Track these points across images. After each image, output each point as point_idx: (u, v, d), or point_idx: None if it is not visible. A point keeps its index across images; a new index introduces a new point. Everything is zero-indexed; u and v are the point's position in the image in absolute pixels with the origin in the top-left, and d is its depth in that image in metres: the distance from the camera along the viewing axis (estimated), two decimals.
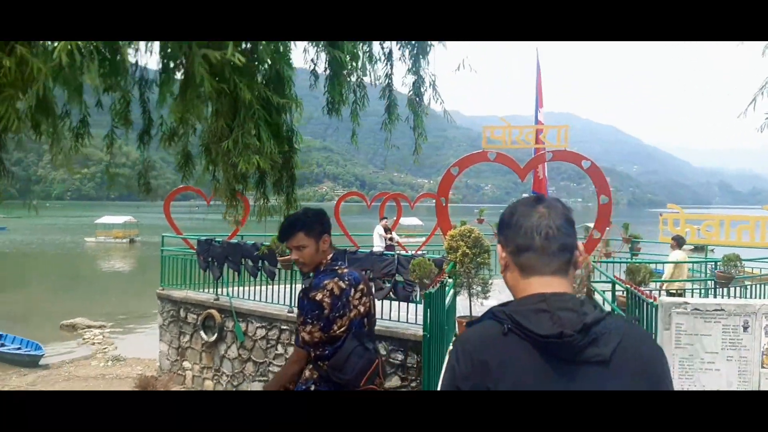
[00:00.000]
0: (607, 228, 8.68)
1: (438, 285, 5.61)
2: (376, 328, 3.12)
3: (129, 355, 15.83)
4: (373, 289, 8.82)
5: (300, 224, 2.85)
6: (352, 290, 2.75)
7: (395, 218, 14.56)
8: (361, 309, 2.79)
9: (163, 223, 12.53)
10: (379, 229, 13.25)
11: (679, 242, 9.50)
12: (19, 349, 15.68)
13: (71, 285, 28.87)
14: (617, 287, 6.30)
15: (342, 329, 2.70)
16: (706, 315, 4.20)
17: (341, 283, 2.72)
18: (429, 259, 7.22)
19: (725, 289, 8.78)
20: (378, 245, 13.01)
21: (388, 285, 8.61)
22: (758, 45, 5.86)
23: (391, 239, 13.23)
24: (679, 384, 4.22)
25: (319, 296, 2.69)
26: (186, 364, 11.11)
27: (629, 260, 10.70)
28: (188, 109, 2.69)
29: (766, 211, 11.57)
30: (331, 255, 2.86)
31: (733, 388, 4.24)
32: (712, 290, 8.81)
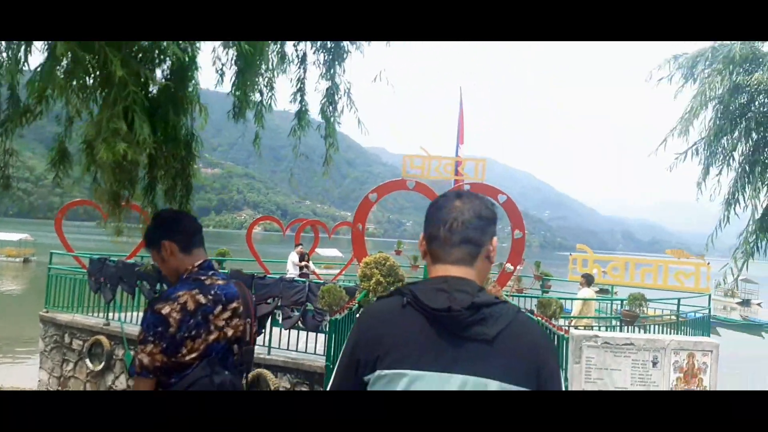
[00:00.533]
0: (520, 265, 8.71)
1: (345, 312, 5.25)
2: (281, 359, 2.64)
3: (5, 384, 14.17)
4: (280, 317, 8.31)
5: (144, 235, 2.38)
6: (218, 307, 2.19)
7: (312, 247, 14.08)
8: (229, 332, 2.20)
9: (70, 242, 11.42)
10: (293, 257, 12.70)
11: (588, 280, 9.68)
12: None
13: None
14: None
15: (192, 355, 2.10)
16: (616, 349, 4.09)
17: (200, 297, 2.15)
18: (340, 287, 6.85)
19: (630, 328, 8.98)
20: (292, 273, 12.46)
21: (297, 313, 8.12)
22: (670, 89, 6.08)
23: (305, 267, 12.72)
24: None
25: (165, 309, 2.09)
26: None
27: (540, 296, 10.86)
28: (47, 80, 2.24)
29: (667, 255, 12.18)
30: (200, 263, 2.30)
31: None
32: (618, 328, 8.98)
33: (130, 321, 9.51)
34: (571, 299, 9.40)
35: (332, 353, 4.83)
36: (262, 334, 8.27)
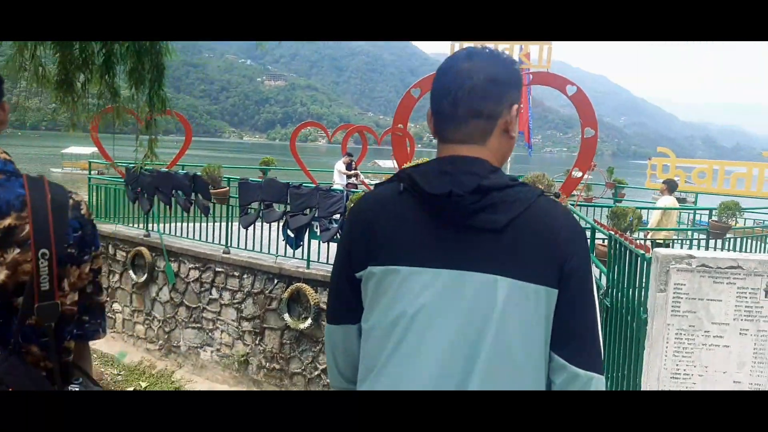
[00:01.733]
0: (590, 170, 7.53)
1: None
2: (320, 273, 1.74)
3: None
4: (318, 229, 7.64)
5: None
6: None
7: (360, 155, 13.21)
8: None
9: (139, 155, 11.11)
10: (339, 165, 11.92)
11: (670, 187, 8.37)
12: None
13: None
14: (598, 234, 5.17)
15: None
16: (717, 274, 3.07)
17: None
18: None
19: (719, 242, 7.76)
20: (338, 183, 11.74)
21: (335, 225, 7.43)
22: None
23: (354, 177, 11.94)
24: (673, 364, 3.16)
25: None
26: (116, 306, 9.96)
27: (612, 205, 9.62)
28: None
29: (766, 157, 10.50)
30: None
31: (746, 370, 3.17)
32: (703, 242, 7.78)
33: (169, 232, 9.16)
34: (649, 208, 8.18)
35: None
36: (301, 247, 7.72)
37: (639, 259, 3.34)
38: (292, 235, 7.69)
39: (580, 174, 7.48)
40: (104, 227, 10.03)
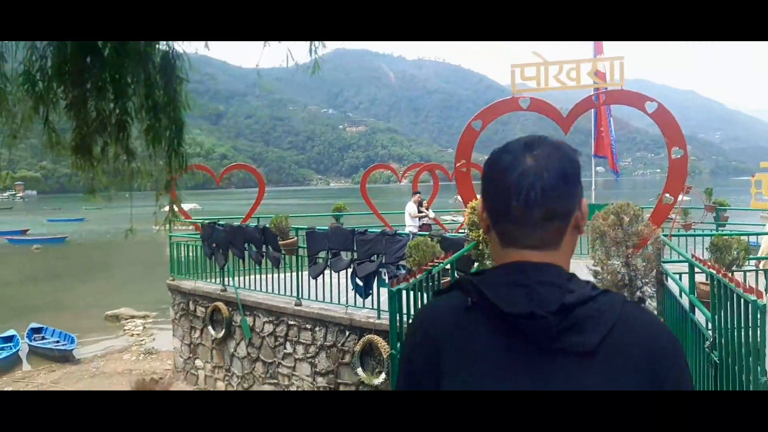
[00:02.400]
0: (684, 193, 6.73)
1: (421, 275, 4.06)
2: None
3: (164, 347, 15.14)
4: (386, 276, 7.33)
5: None
6: None
7: (432, 194, 12.86)
8: None
9: (232, 208, 11.51)
10: (410, 207, 11.59)
11: None
12: (57, 342, 15.29)
13: (130, 274, 28.99)
14: (697, 271, 4.48)
15: None
16: None
17: None
18: (435, 240, 5.62)
19: None
20: (410, 225, 11.41)
21: (402, 271, 7.06)
22: None
23: (425, 217, 11.58)
24: None
25: None
26: (198, 362, 10.05)
27: (713, 232, 8.57)
28: None
29: None
30: None
31: None
32: None
33: (244, 286, 9.17)
34: (758, 234, 7.20)
35: (395, 334, 3.71)
36: (371, 296, 7.42)
37: (751, 306, 2.72)
38: (360, 284, 7.42)
39: (672, 199, 6.71)
40: (184, 284, 10.25)
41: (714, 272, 3.42)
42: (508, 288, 0.99)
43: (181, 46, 2.86)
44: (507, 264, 1.04)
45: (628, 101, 7.00)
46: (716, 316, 3.43)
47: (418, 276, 4.17)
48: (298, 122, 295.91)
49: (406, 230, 11.18)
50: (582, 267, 6.53)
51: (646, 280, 6.03)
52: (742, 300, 2.86)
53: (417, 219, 11.47)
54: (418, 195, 11.61)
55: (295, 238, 8.40)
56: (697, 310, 4.52)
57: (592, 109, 12.08)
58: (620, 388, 0.96)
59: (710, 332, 3.68)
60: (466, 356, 1.02)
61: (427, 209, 11.78)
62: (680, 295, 5.06)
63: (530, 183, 1.00)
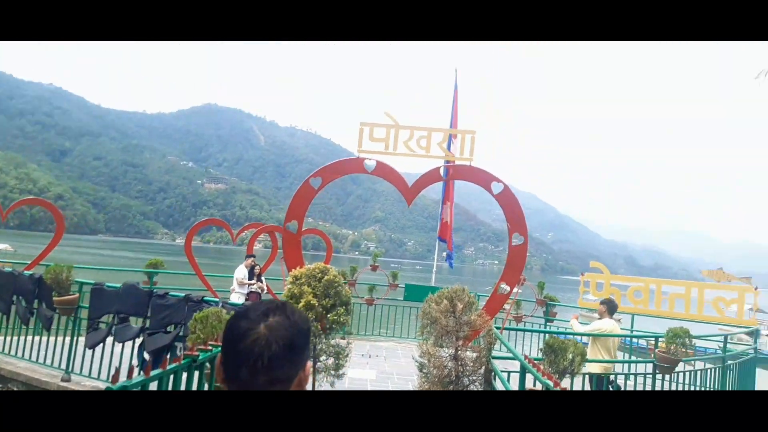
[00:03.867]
0: (519, 285, 6.41)
1: (202, 353, 3.03)
2: None
3: None
4: (182, 353, 6.02)
5: None
6: None
7: (268, 259, 11.71)
8: None
9: (60, 255, 9.18)
10: (239, 272, 10.29)
11: (610, 308, 7.31)
12: None
13: None
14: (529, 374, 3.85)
15: None
16: None
17: None
18: (227, 311, 4.57)
19: (667, 377, 6.62)
20: (238, 293, 10.10)
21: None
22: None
23: (254, 284, 10.32)
24: None
25: None
26: None
27: (544, 329, 8.45)
28: None
29: (704, 276, 9.83)
30: None
31: None
32: (650, 377, 6.61)
33: (3, 349, 7.20)
34: (590, 335, 7.03)
35: None
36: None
37: None
38: (147, 359, 5.98)
39: (507, 289, 6.33)
40: None
41: (550, 383, 2.74)
42: None
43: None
44: None
45: (476, 178, 6.66)
46: None
47: (182, 360, 3.06)
48: (154, 171, 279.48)
49: (232, 298, 9.86)
50: (410, 353, 5.79)
51: (474, 378, 5.39)
52: None
53: (246, 286, 10.19)
54: (252, 259, 10.39)
55: (77, 294, 6.77)
56: None
57: (442, 188, 12.00)
58: None
59: None
60: None
61: (259, 276, 10.56)
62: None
63: (259, 352, 1.15)
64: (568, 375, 3.83)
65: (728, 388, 7.74)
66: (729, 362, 7.89)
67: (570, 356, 3.77)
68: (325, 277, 5.19)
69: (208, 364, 3.35)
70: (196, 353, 3.22)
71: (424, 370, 5.32)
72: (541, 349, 4.06)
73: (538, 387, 4.42)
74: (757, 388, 9.07)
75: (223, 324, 4.13)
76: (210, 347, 3.48)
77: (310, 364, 1.25)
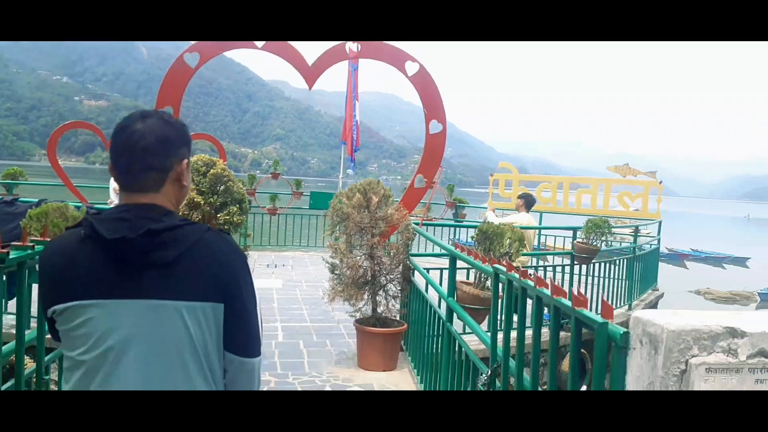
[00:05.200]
0: (436, 178, 5.82)
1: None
2: None
3: None
4: None
5: None
6: None
7: None
8: None
9: None
10: (113, 182, 9.03)
11: (527, 202, 6.97)
12: None
13: None
14: (462, 266, 3.29)
15: None
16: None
17: None
18: (70, 204, 3.63)
19: (585, 267, 6.48)
20: (115, 202, 8.87)
21: None
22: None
23: None
24: None
25: None
26: None
27: (460, 222, 8.12)
28: None
29: (610, 171, 9.87)
30: None
31: None
32: (568, 268, 6.44)
33: None
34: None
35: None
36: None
37: (598, 330, 1.43)
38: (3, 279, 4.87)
39: (425, 182, 5.74)
40: None
41: (502, 268, 2.14)
42: (114, 222, 1.29)
43: None
44: (120, 204, 1.37)
45: (388, 57, 5.81)
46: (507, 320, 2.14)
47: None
48: (23, 87, 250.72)
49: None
50: (318, 261, 5.16)
51: (391, 277, 4.83)
52: (577, 319, 1.55)
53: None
54: None
55: None
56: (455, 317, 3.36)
57: (348, 94, 11.03)
58: (194, 291, 1.31)
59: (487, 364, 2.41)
60: (77, 274, 1.29)
61: None
62: (439, 303, 3.91)
63: (134, 142, 1.35)
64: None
65: (636, 278, 7.88)
66: (638, 253, 8.00)
67: (507, 242, 3.24)
68: (211, 171, 4.29)
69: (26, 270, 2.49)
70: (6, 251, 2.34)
71: (336, 272, 4.69)
72: (472, 238, 3.50)
73: (471, 280, 3.90)
74: (659, 279, 9.47)
75: (69, 221, 3.19)
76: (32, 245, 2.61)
77: (186, 161, 1.42)
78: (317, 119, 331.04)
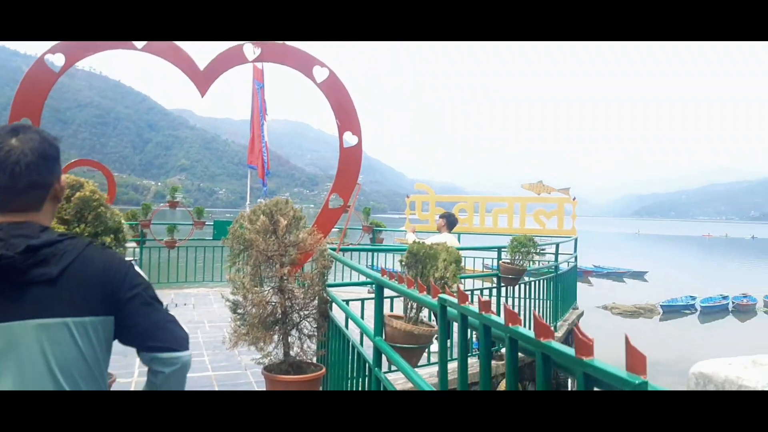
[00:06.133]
0: (354, 195, 5.23)
1: None
2: None
3: None
4: None
5: None
6: None
7: None
8: None
9: None
10: None
11: (450, 222, 6.56)
12: None
13: None
14: (389, 296, 2.73)
15: None
16: None
17: None
18: None
19: (510, 289, 6.13)
20: None
21: None
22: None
23: None
24: None
25: None
26: None
27: (379, 246, 7.59)
28: None
29: (525, 189, 9.77)
30: None
31: None
32: (494, 289, 6.06)
33: None
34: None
35: None
36: None
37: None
38: None
39: (341, 202, 5.14)
40: None
41: (452, 299, 1.61)
42: None
43: None
44: None
45: (293, 61, 5.17)
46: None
47: None
48: None
49: None
50: (223, 297, 4.44)
51: (306, 312, 4.18)
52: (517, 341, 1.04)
53: None
54: None
55: None
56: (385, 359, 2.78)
57: (254, 113, 10.33)
58: (81, 305, 1.27)
59: None
60: None
61: None
62: (361, 340, 3.29)
63: (16, 159, 1.27)
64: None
65: (559, 296, 7.68)
66: (560, 272, 7.82)
67: (442, 264, 2.72)
68: (77, 194, 3.48)
69: None
70: None
71: (240, 311, 3.96)
72: (400, 261, 2.95)
73: (396, 312, 3.34)
74: (578, 297, 9.40)
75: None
76: None
77: (64, 177, 1.41)
78: (224, 148, 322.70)
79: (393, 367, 4.38)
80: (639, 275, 34.70)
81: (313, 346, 4.19)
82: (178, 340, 1.39)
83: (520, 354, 1.35)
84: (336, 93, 5.26)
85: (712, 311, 22.89)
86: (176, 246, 9.95)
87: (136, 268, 1.41)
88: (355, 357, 3.30)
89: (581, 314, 9.16)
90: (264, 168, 9.86)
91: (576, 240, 9.41)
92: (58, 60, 4.67)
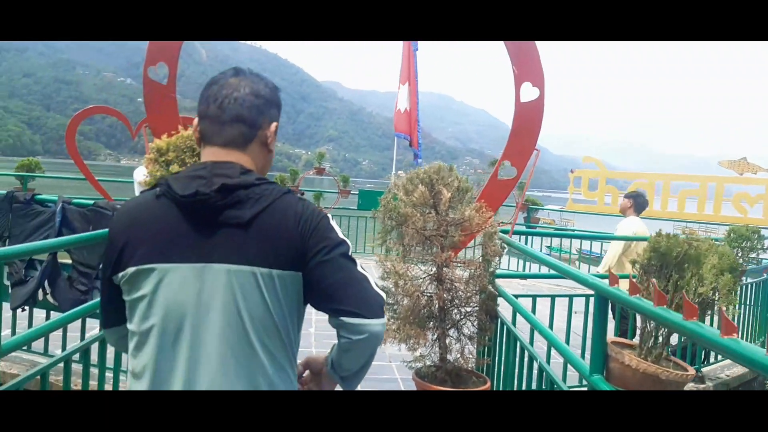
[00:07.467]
0: (535, 158, 4.25)
1: None
2: None
3: None
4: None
5: None
6: None
7: None
8: None
9: None
10: (138, 174, 8.00)
11: (638, 203, 5.35)
12: None
13: None
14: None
15: None
16: None
17: None
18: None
19: None
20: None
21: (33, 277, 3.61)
22: None
23: None
24: None
25: None
26: None
27: (563, 230, 6.56)
28: None
29: (723, 167, 8.07)
30: None
31: None
32: None
33: None
34: (610, 238, 5.15)
35: None
36: None
37: None
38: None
39: (514, 172, 4.22)
40: None
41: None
42: (190, 179, 1.20)
43: None
44: (198, 162, 1.28)
45: None
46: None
47: None
48: (89, 88, 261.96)
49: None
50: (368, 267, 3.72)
51: (468, 310, 3.37)
52: None
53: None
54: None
55: None
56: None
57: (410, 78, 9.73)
58: (268, 255, 1.18)
59: None
60: (149, 233, 1.20)
61: None
62: (548, 358, 2.43)
63: (227, 93, 1.29)
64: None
65: None
66: None
67: (710, 273, 1.75)
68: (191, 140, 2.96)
69: None
70: None
71: (390, 300, 3.29)
72: (646, 253, 1.98)
73: (642, 345, 2.41)
74: None
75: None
76: None
77: (276, 125, 1.34)
78: (369, 120, 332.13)
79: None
80: None
81: (475, 351, 3.39)
82: (369, 304, 1.25)
83: None
84: (519, 47, 4.27)
85: None
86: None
87: (332, 221, 1.28)
88: (543, 380, 2.44)
89: None
90: (417, 137, 9.19)
91: None
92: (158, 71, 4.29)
